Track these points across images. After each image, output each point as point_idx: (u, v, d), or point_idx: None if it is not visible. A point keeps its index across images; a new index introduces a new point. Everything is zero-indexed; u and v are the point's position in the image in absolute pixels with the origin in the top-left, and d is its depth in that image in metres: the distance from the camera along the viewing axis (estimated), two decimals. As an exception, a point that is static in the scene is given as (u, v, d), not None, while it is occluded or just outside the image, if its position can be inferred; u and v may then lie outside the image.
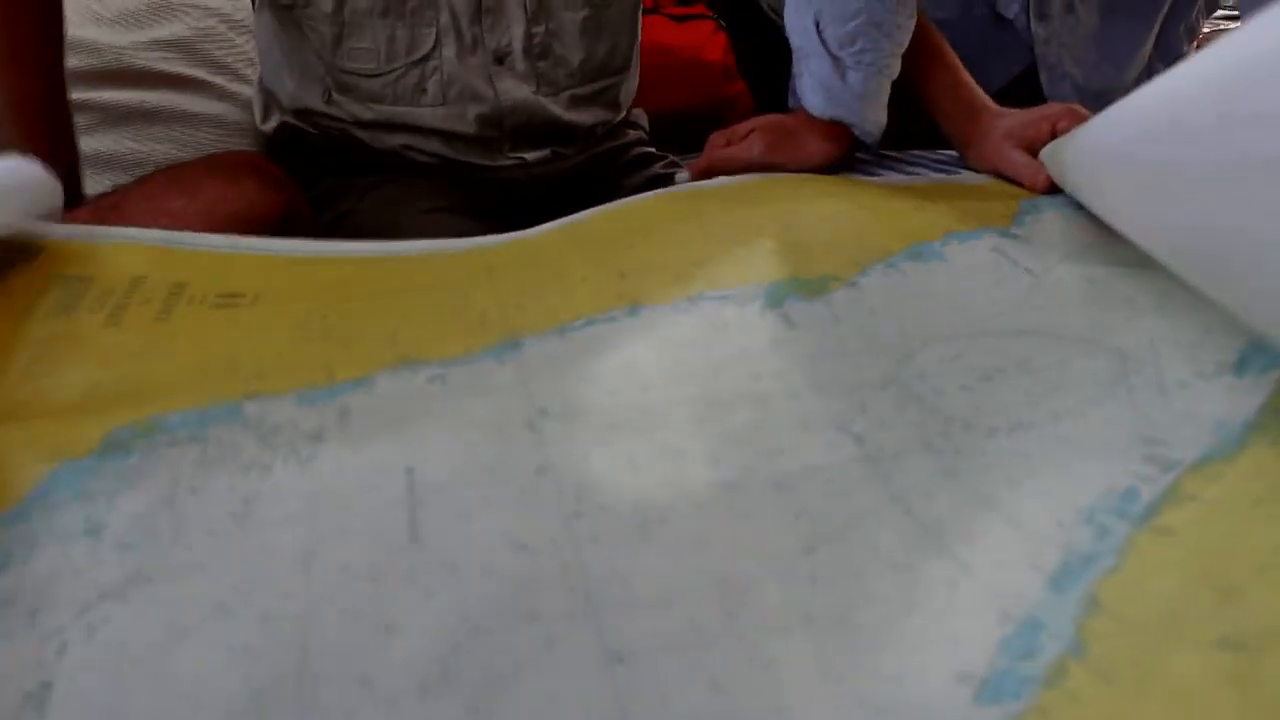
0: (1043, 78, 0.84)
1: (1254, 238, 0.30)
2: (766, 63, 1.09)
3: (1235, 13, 1.35)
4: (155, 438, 0.34)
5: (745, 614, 0.26)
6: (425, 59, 0.71)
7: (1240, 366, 0.38)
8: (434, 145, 0.75)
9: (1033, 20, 0.82)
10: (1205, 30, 0.91)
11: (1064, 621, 0.26)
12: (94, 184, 0.64)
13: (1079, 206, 0.55)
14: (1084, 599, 0.27)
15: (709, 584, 0.28)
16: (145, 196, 0.56)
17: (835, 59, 0.66)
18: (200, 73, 0.87)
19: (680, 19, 1.16)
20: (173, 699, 0.24)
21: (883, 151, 0.70)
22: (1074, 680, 0.24)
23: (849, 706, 0.24)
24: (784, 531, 0.29)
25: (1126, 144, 0.44)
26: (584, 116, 0.78)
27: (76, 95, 0.63)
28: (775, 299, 0.43)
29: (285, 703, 0.24)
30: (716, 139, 0.69)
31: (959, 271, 0.47)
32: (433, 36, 0.71)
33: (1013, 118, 0.65)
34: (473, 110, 0.73)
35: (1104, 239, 0.50)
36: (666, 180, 0.75)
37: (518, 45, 0.72)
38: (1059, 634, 0.26)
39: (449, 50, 0.71)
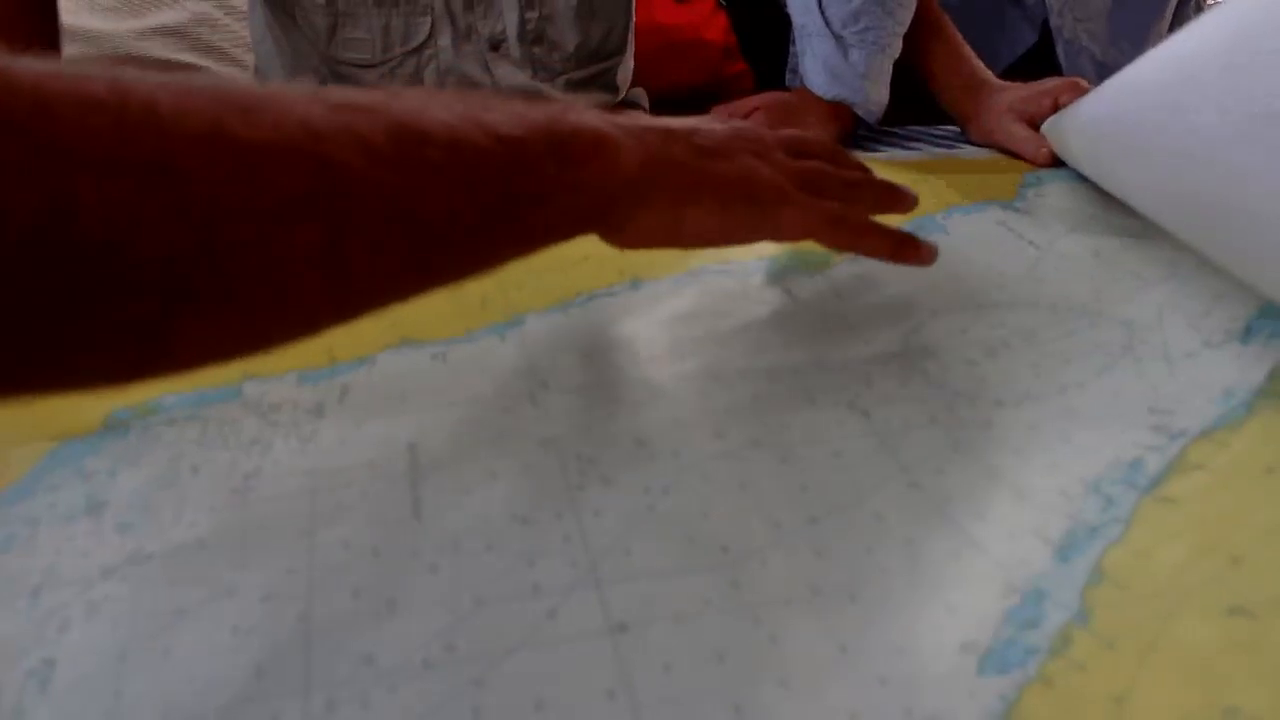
0: (1059, 52, 0.83)
1: (1264, 195, 0.30)
2: (767, 42, 1.08)
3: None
4: (153, 418, 0.34)
5: (749, 585, 0.26)
6: (420, 48, 0.71)
7: (1247, 334, 0.37)
8: None
9: None
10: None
11: (1069, 591, 0.26)
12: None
13: (1082, 179, 0.54)
14: (1090, 569, 0.27)
15: (712, 555, 0.27)
16: None
17: (838, 38, 0.65)
18: (197, 58, 0.86)
19: (681, -1, 1.15)
20: (175, 677, 0.24)
21: (883, 127, 0.70)
22: (1079, 649, 0.24)
23: (853, 678, 0.24)
24: (789, 503, 0.29)
25: (1131, 112, 0.43)
26: (582, 101, 0.78)
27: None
28: (777, 273, 0.43)
29: (288, 680, 0.24)
30: (720, 114, 0.69)
31: (962, 245, 0.46)
32: (428, 25, 0.70)
33: (1014, 91, 0.65)
34: None
35: (1108, 210, 0.50)
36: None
37: (512, 32, 0.72)
38: (1064, 604, 0.26)
39: (444, 39, 0.71)
